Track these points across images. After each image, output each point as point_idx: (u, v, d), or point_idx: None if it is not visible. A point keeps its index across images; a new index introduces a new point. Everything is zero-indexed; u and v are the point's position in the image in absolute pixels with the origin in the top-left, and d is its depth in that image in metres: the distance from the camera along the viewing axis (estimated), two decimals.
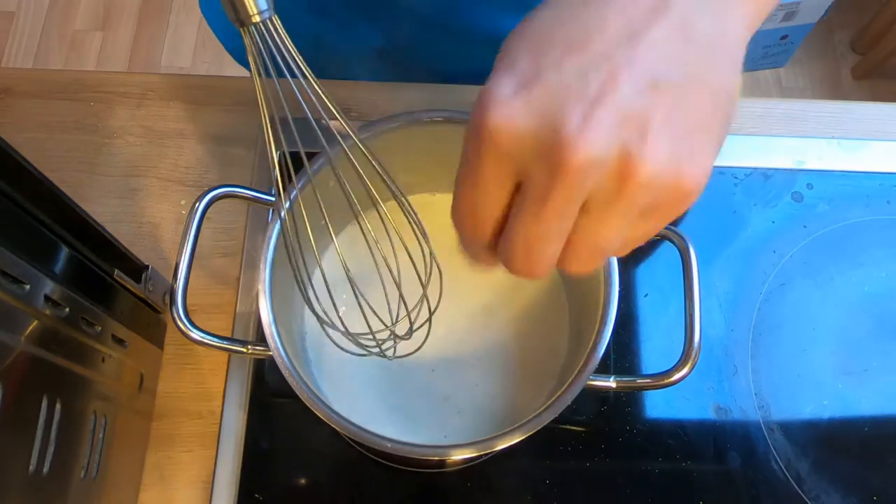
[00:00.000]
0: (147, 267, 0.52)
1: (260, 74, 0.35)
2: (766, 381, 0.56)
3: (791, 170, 0.63)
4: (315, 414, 0.42)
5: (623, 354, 0.57)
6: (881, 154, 0.64)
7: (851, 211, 0.62)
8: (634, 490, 0.53)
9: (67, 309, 0.40)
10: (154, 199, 0.61)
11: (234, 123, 0.63)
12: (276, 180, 0.39)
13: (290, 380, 0.43)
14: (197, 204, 0.46)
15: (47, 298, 0.38)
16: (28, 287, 0.36)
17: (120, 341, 0.48)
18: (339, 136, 0.39)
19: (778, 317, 0.58)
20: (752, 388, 0.56)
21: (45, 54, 1.63)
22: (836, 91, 1.71)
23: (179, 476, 0.53)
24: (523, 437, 0.42)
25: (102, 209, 0.60)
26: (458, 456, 0.42)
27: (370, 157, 0.39)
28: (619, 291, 0.46)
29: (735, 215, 0.62)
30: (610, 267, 0.46)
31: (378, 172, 0.39)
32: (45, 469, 0.37)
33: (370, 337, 0.45)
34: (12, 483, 0.35)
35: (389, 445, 0.42)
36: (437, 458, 0.44)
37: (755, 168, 0.63)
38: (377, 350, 0.47)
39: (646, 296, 0.59)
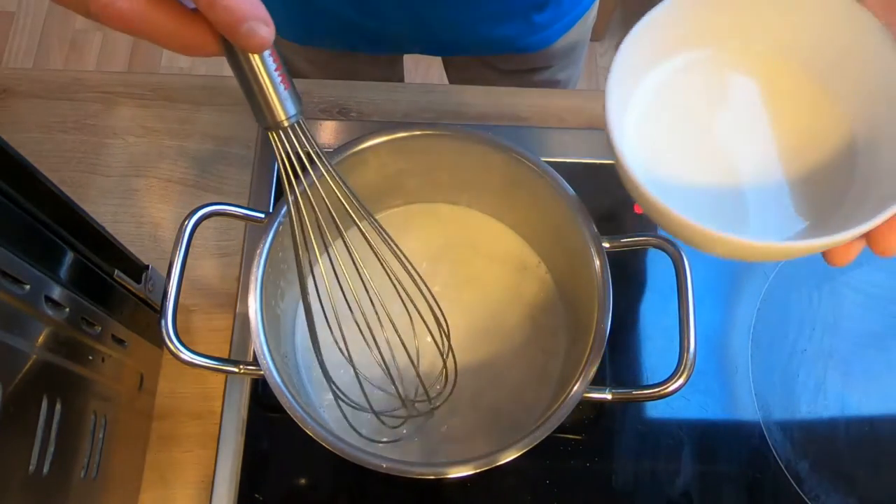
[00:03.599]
0: (147, 267, 0.52)
1: (286, 167, 0.37)
2: (766, 381, 0.56)
3: None
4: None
5: (619, 363, 0.57)
6: None
7: None
8: (634, 490, 0.53)
9: (67, 309, 0.40)
10: (154, 199, 0.61)
11: (233, 123, 0.63)
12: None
13: (283, 401, 0.43)
14: (186, 222, 0.45)
15: (47, 299, 0.38)
16: (28, 287, 0.36)
17: (120, 341, 0.48)
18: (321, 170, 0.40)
19: (778, 317, 0.58)
20: (752, 388, 0.56)
21: (45, 54, 1.63)
22: None
23: (179, 476, 0.53)
24: (519, 454, 0.42)
25: (102, 209, 0.60)
26: (455, 475, 0.42)
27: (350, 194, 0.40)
28: (613, 300, 0.45)
29: None
30: (605, 281, 0.46)
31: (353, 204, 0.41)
32: (45, 469, 0.37)
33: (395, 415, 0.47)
34: (12, 483, 0.35)
35: (385, 466, 0.42)
36: (433, 477, 0.44)
37: None
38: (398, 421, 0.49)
39: (641, 303, 0.59)
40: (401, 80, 0.89)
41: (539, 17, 0.66)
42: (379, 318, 0.43)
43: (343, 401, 0.46)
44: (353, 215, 0.40)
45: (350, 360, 0.43)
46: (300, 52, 0.74)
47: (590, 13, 0.72)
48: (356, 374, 0.45)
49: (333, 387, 0.45)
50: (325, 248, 0.41)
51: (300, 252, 0.41)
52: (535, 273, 0.57)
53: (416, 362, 0.46)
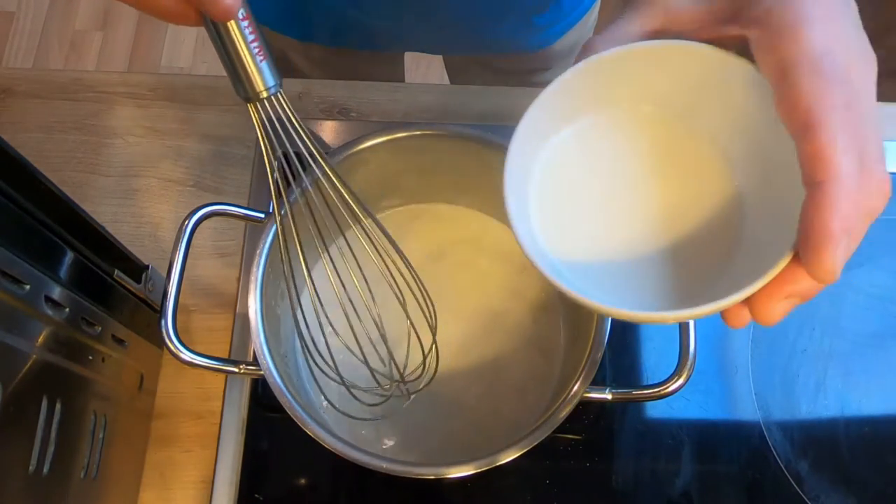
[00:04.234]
0: (147, 267, 0.52)
1: (266, 143, 0.37)
2: (766, 381, 0.56)
3: None
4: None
5: (619, 363, 0.57)
6: None
7: None
8: (634, 490, 0.53)
9: (67, 309, 0.40)
10: (154, 199, 0.61)
11: (233, 123, 0.63)
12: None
13: (283, 401, 0.43)
14: (186, 222, 0.45)
15: (47, 299, 0.38)
16: (28, 287, 0.36)
17: (120, 341, 0.48)
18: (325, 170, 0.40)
19: None
20: (752, 388, 0.56)
21: (45, 54, 1.63)
22: None
23: (179, 476, 0.53)
24: (519, 454, 0.42)
25: (102, 209, 0.60)
26: (455, 475, 0.43)
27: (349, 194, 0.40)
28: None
29: None
30: None
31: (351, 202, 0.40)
32: (45, 469, 0.37)
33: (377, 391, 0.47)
34: (12, 483, 0.35)
35: (385, 465, 0.42)
36: (433, 477, 0.44)
37: None
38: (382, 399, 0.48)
39: None
40: (401, 78, 0.89)
41: (539, 19, 0.66)
42: (361, 295, 0.43)
43: (313, 361, 0.45)
44: (332, 194, 0.40)
45: (323, 323, 0.43)
46: (299, 50, 0.74)
47: (590, 15, 0.72)
48: (324, 336, 0.44)
49: (303, 343, 0.44)
50: (316, 224, 0.41)
51: (285, 238, 0.41)
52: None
53: (389, 345, 0.45)
